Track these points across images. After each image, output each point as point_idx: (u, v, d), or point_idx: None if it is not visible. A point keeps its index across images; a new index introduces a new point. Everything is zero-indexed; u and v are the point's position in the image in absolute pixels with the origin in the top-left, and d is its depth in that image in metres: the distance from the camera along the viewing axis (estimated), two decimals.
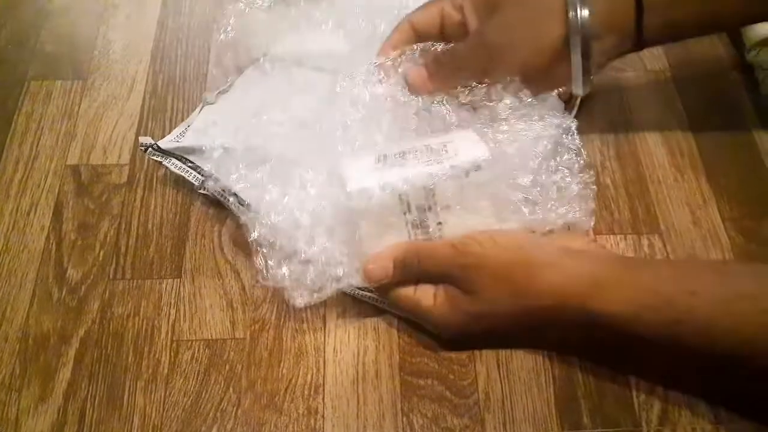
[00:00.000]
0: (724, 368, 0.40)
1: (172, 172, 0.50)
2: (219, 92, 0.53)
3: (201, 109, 0.53)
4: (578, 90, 0.45)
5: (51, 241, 0.50)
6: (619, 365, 0.43)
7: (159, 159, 0.50)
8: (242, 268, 0.49)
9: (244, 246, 0.49)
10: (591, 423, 0.43)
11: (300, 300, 0.42)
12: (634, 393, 0.44)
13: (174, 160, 0.50)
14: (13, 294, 0.47)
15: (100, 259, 0.49)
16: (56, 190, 0.52)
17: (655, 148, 0.55)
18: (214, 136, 0.49)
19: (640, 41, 0.45)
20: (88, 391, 0.44)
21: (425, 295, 0.42)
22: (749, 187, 0.52)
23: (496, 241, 0.41)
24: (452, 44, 0.46)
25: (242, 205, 0.45)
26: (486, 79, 0.44)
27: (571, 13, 0.42)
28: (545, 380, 0.44)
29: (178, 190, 0.52)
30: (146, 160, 0.54)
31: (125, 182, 0.53)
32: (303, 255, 0.42)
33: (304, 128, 0.47)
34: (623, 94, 0.58)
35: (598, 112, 0.57)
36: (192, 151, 0.50)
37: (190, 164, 0.49)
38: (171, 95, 0.58)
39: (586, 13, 0.42)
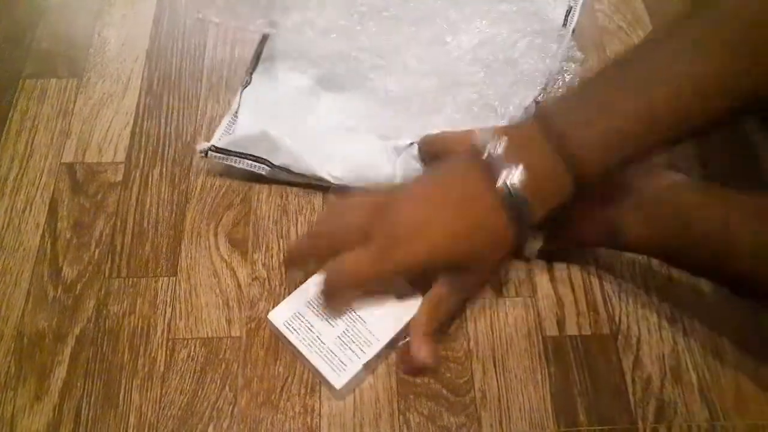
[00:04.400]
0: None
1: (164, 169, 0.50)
2: (252, 72, 0.55)
3: (241, 93, 0.54)
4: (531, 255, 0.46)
5: (46, 240, 0.50)
6: None
7: (222, 160, 0.51)
8: (238, 266, 0.48)
9: (240, 244, 0.49)
10: (587, 420, 0.43)
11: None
12: (630, 390, 0.44)
13: (236, 158, 0.51)
14: (8, 292, 0.47)
15: (96, 257, 0.49)
16: (51, 188, 0.52)
17: None
18: (265, 122, 0.51)
19: (579, 189, 0.41)
20: (83, 389, 0.43)
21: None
22: (748, 180, 0.52)
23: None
24: None
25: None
26: None
27: (503, 193, 0.39)
28: (541, 378, 0.44)
29: (173, 189, 0.52)
30: (141, 159, 0.54)
31: (120, 180, 0.53)
32: None
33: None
34: None
35: None
36: (249, 140, 0.51)
37: (251, 158, 0.51)
38: (167, 93, 0.58)
39: (515, 189, 0.39)
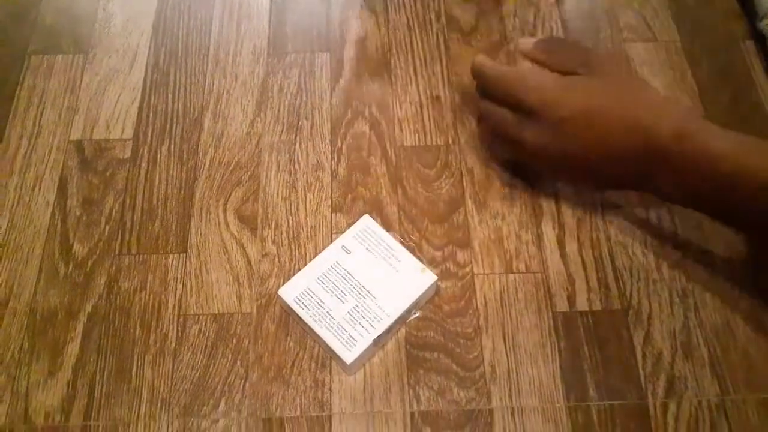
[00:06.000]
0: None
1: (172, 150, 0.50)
2: None
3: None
4: None
5: (56, 217, 0.50)
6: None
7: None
8: (248, 242, 0.48)
9: (249, 221, 0.49)
10: (597, 395, 0.43)
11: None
12: (640, 365, 0.44)
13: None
14: (19, 270, 0.47)
15: (106, 234, 0.49)
16: (60, 166, 0.52)
17: None
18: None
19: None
20: (96, 364, 0.44)
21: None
22: None
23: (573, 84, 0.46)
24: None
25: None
26: None
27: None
28: (551, 353, 0.44)
29: (182, 165, 0.52)
30: (149, 135, 0.54)
31: (129, 157, 0.52)
32: None
33: None
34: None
35: None
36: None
37: None
38: (174, 69, 0.57)
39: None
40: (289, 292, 0.44)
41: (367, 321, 0.43)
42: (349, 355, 0.42)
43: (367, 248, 0.46)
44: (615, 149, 0.43)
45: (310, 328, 0.43)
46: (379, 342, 0.43)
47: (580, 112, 0.43)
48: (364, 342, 0.42)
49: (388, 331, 0.44)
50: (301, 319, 0.44)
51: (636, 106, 0.43)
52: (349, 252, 0.46)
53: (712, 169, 0.40)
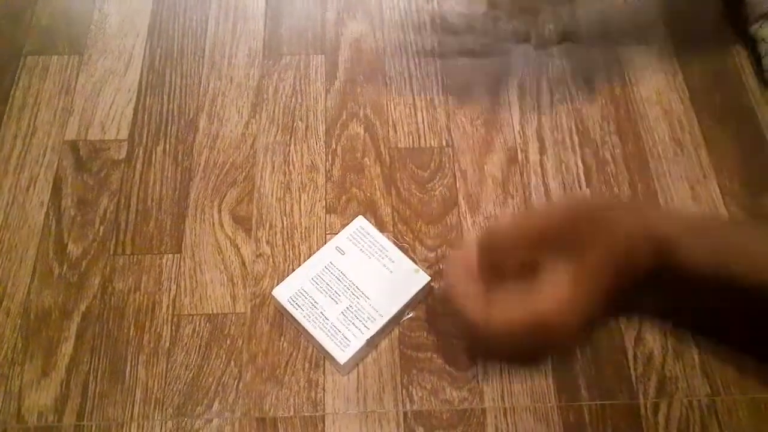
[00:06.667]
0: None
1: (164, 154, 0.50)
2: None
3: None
4: None
5: (50, 217, 0.50)
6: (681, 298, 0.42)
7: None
8: (242, 243, 0.49)
9: (244, 221, 0.50)
10: (588, 395, 0.43)
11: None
12: (632, 366, 0.44)
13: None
14: (13, 270, 0.47)
15: (100, 234, 0.49)
16: (55, 166, 0.52)
17: (655, 123, 0.54)
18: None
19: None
20: (90, 364, 0.44)
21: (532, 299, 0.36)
22: (750, 162, 0.52)
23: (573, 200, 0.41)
24: None
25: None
26: None
27: None
28: None
29: (177, 166, 0.52)
30: (144, 136, 0.54)
31: (124, 158, 0.53)
32: None
33: None
34: (624, 69, 0.58)
35: (599, 87, 0.57)
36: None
37: None
38: (169, 70, 0.57)
39: None
40: (283, 293, 0.44)
41: (361, 321, 0.43)
42: (342, 355, 0.42)
43: (361, 249, 0.46)
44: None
45: (303, 328, 0.43)
46: (372, 342, 0.43)
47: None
48: (357, 342, 0.42)
49: (382, 331, 0.44)
50: (294, 319, 0.44)
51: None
52: (343, 253, 0.46)
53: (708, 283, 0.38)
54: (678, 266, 0.38)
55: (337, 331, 0.43)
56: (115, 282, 0.47)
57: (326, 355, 0.43)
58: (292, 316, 0.44)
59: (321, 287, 0.44)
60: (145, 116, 0.55)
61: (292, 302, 0.44)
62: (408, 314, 0.45)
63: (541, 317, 0.36)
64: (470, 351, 0.45)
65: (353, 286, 0.44)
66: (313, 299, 0.44)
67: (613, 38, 0.58)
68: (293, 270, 0.46)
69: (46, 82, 0.56)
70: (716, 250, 0.37)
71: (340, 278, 0.45)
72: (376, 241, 0.46)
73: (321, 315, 0.43)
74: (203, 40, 0.59)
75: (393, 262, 0.45)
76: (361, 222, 0.47)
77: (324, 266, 0.45)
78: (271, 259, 0.48)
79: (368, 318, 0.43)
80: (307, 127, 0.54)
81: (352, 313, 0.43)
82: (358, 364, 0.44)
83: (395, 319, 0.44)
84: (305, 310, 0.44)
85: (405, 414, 0.42)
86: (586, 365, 0.44)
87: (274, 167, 0.52)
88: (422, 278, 0.45)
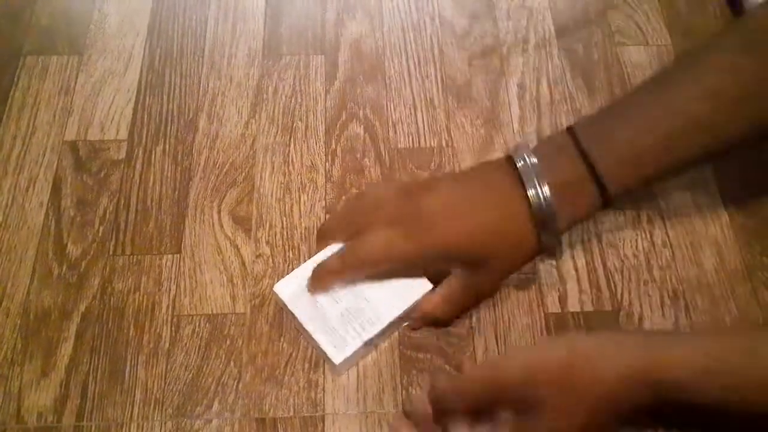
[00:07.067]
0: None
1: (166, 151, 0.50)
2: None
3: None
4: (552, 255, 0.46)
5: (50, 218, 0.50)
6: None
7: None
8: (242, 243, 0.49)
9: (243, 222, 0.50)
10: None
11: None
12: None
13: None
14: (13, 270, 0.47)
15: (100, 235, 0.49)
16: (54, 166, 0.52)
17: None
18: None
19: (607, 203, 0.42)
20: (90, 365, 0.44)
21: None
22: (750, 166, 0.52)
23: (545, 346, 0.40)
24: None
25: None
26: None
27: (533, 202, 0.40)
28: None
29: (176, 166, 0.52)
30: (144, 136, 0.54)
31: (124, 158, 0.53)
32: None
33: None
34: (625, 69, 0.58)
35: (599, 87, 0.57)
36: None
37: None
38: (169, 70, 0.57)
39: (546, 199, 0.40)
40: (285, 289, 0.44)
41: (360, 324, 0.43)
42: (337, 356, 0.42)
43: None
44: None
45: (302, 325, 0.44)
46: (370, 344, 0.43)
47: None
48: (354, 344, 0.42)
49: (381, 335, 0.44)
50: (294, 316, 0.44)
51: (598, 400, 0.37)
52: None
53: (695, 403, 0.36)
54: (684, 406, 0.36)
55: (335, 331, 0.43)
56: (115, 282, 0.47)
57: (322, 354, 0.43)
58: (292, 312, 0.44)
59: None
60: (145, 116, 0.55)
61: (292, 299, 0.44)
62: (406, 324, 0.45)
63: None
64: None
65: (355, 287, 0.44)
66: (313, 297, 0.44)
67: (613, 38, 0.58)
68: (293, 270, 0.46)
69: (46, 82, 0.56)
70: (726, 387, 0.35)
71: None
72: None
73: (321, 314, 0.43)
74: (203, 40, 0.59)
75: (403, 271, 0.45)
76: None
77: None
78: (270, 260, 0.48)
79: (368, 321, 0.43)
80: (306, 128, 0.54)
81: (351, 314, 0.43)
82: (356, 364, 0.44)
83: (395, 324, 0.44)
84: (305, 308, 0.44)
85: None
86: None
87: (273, 167, 0.52)
88: (424, 285, 0.45)
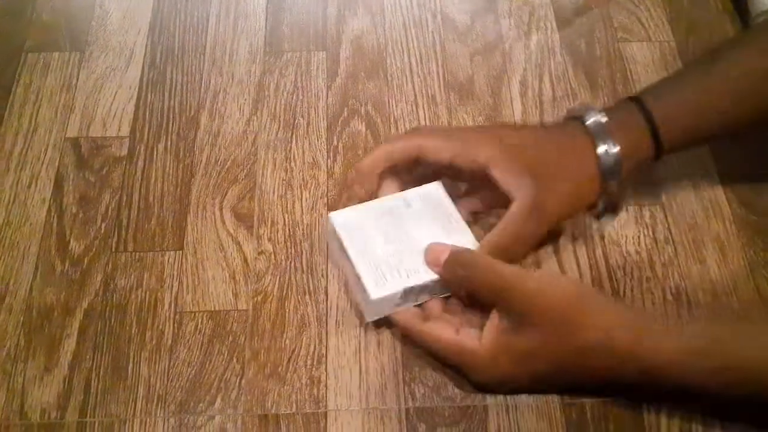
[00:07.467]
0: None
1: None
2: None
3: None
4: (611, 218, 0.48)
5: (52, 214, 0.50)
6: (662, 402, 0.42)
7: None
8: (244, 240, 0.49)
9: (245, 218, 0.50)
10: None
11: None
12: None
13: None
14: (15, 267, 0.48)
15: (102, 231, 0.49)
16: (56, 163, 0.52)
17: None
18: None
19: (659, 158, 0.46)
20: (93, 361, 0.44)
21: (469, 338, 0.40)
22: (752, 159, 0.52)
23: (555, 279, 0.43)
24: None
25: None
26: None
27: (603, 159, 0.44)
28: None
29: (178, 163, 0.52)
30: (146, 133, 0.54)
31: (126, 155, 0.53)
32: None
33: None
34: (628, 65, 0.57)
35: (602, 83, 0.56)
36: None
37: None
38: (170, 67, 0.57)
39: (613, 156, 0.44)
40: (339, 218, 0.44)
41: (405, 270, 0.42)
42: (375, 291, 0.41)
43: (427, 208, 0.45)
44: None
45: (346, 255, 0.43)
46: (408, 297, 0.42)
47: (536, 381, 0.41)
48: (394, 285, 0.42)
49: (423, 290, 0.43)
50: (340, 245, 0.43)
51: (589, 362, 0.40)
52: (409, 206, 0.45)
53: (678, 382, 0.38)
54: (671, 386, 0.38)
55: (378, 268, 0.42)
56: (117, 279, 0.47)
57: (357, 291, 0.43)
58: (340, 242, 0.43)
59: (378, 225, 0.44)
60: (147, 113, 0.55)
61: (345, 227, 0.44)
62: (448, 297, 0.44)
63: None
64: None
65: (409, 236, 0.44)
66: (367, 234, 0.44)
67: (615, 34, 0.58)
68: (295, 267, 0.46)
69: (48, 78, 0.56)
70: (716, 370, 0.37)
71: (397, 226, 0.44)
72: (445, 208, 0.46)
73: (369, 250, 0.43)
74: (204, 36, 0.59)
75: (455, 232, 0.45)
76: (436, 185, 0.47)
77: (386, 210, 0.45)
78: (273, 257, 0.48)
79: (413, 270, 0.43)
80: (308, 124, 0.54)
81: (398, 259, 0.43)
82: (382, 317, 0.43)
83: (436, 287, 0.43)
84: (355, 240, 0.43)
85: (407, 411, 0.42)
86: None
87: (275, 164, 0.52)
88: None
